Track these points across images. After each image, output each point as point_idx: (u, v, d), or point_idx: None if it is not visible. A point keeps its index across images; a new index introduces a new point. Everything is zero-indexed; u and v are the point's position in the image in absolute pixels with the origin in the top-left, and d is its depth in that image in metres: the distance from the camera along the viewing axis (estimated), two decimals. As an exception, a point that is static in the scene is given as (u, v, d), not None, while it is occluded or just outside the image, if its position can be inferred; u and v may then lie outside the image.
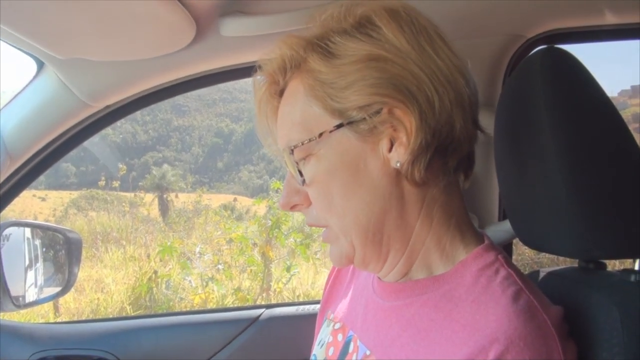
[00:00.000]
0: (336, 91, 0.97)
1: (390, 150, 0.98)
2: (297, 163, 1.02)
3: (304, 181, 1.03)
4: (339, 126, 0.98)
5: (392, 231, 1.02)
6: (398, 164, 0.97)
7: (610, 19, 1.64)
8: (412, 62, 0.95)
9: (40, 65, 1.68)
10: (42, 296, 1.99)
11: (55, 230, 2.07)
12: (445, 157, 1.00)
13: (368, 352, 1.08)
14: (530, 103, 1.03)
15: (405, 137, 0.96)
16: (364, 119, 0.96)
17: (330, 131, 0.98)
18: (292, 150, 1.01)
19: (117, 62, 1.62)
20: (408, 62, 0.95)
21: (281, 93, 1.09)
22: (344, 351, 1.16)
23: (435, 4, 1.30)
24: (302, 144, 1.00)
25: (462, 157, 1.03)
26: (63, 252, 2.02)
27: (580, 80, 1.02)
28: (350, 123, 0.97)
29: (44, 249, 2.02)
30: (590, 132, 0.98)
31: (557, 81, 1.01)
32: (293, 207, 1.10)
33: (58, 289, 2.01)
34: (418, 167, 0.96)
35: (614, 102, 1.01)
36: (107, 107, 1.81)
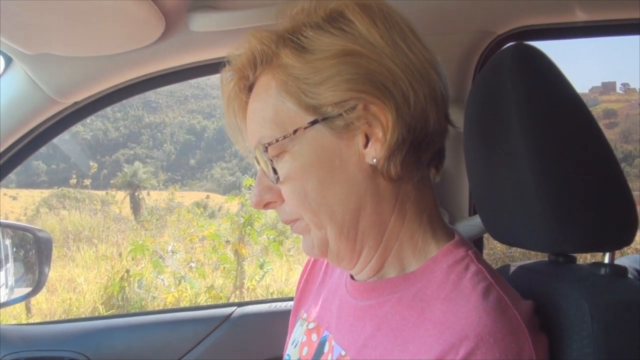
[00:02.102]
0: (310, 87, 0.96)
1: (365, 146, 0.98)
2: (270, 160, 1.01)
3: (277, 178, 1.01)
4: (314, 122, 0.97)
5: (366, 227, 1.02)
6: (374, 160, 0.97)
7: (581, 16, 1.66)
8: (386, 57, 0.95)
9: (8, 61, 1.65)
10: (13, 297, 1.97)
11: (25, 229, 2.05)
12: (419, 152, 1.01)
13: (343, 353, 1.08)
14: (499, 99, 1.04)
15: (382, 133, 0.96)
16: (340, 115, 0.96)
17: (305, 128, 0.98)
18: (266, 148, 1.00)
19: (85, 57, 1.61)
20: (383, 58, 0.95)
21: (250, 88, 1.08)
22: (319, 351, 1.16)
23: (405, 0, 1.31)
24: (277, 141, 0.99)
25: (434, 152, 1.03)
26: (33, 252, 1.99)
27: (549, 76, 1.03)
28: (325, 119, 0.97)
29: (14, 249, 2.00)
30: (559, 128, 0.98)
31: (526, 78, 1.02)
32: (266, 205, 1.09)
33: (29, 289, 1.99)
34: (394, 163, 0.96)
35: (586, 99, 1.02)
36: (76, 103, 1.79)
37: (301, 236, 1.10)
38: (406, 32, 0.99)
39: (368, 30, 0.96)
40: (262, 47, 1.02)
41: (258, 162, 1.05)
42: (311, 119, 0.97)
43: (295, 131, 0.98)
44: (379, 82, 0.95)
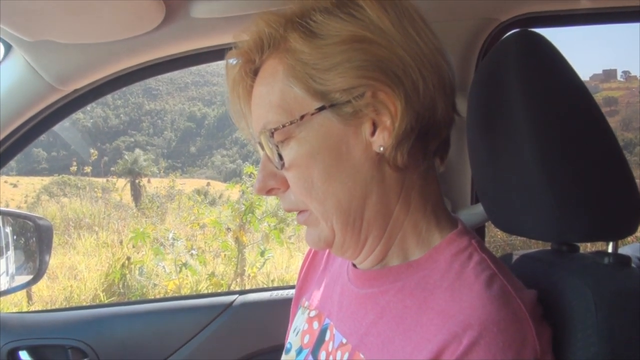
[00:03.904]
0: (319, 72, 0.95)
1: (373, 134, 0.97)
2: (276, 146, 1.00)
3: (283, 165, 1.00)
4: (321, 109, 0.96)
5: (371, 217, 1.02)
6: (381, 149, 0.96)
7: (584, 3, 1.65)
8: (397, 44, 0.94)
9: (8, 49, 1.65)
10: (13, 285, 1.97)
11: (25, 217, 2.05)
12: (426, 142, 1.00)
13: (344, 340, 1.07)
14: (503, 86, 1.03)
15: (390, 121, 0.95)
16: (348, 101, 0.94)
17: (312, 114, 0.96)
18: (272, 133, 0.99)
19: (85, 44, 1.60)
20: (393, 45, 0.94)
21: (256, 72, 1.06)
22: (320, 339, 1.16)
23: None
24: (283, 127, 0.98)
25: (441, 141, 1.03)
26: (34, 240, 1.99)
27: (553, 63, 1.02)
28: (333, 106, 0.95)
29: (14, 237, 1.99)
30: (563, 115, 0.98)
31: (530, 64, 1.01)
32: (269, 192, 1.07)
33: (29, 277, 1.98)
34: (401, 152, 0.95)
35: (586, 86, 1.01)
36: (76, 90, 1.78)
37: (305, 227, 1.09)
38: (416, 19, 0.98)
39: (378, 17, 0.95)
40: (269, 30, 1.00)
41: (262, 148, 1.04)
42: (319, 105, 0.96)
43: (302, 117, 0.97)
44: (389, 69, 0.93)
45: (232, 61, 1.09)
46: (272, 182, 1.06)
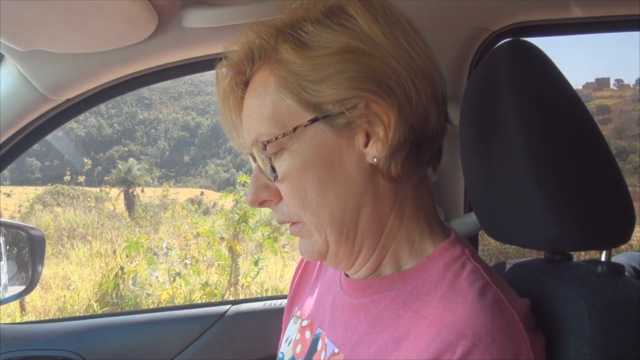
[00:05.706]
0: (311, 84, 0.95)
1: (366, 145, 0.96)
2: (269, 158, 0.99)
3: (276, 177, 1.00)
4: (314, 120, 0.96)
5: (365, 227, 1.01)
6: (375, 160, 0.96)
7: (576, 12, 1.65)
8: (389, 55, 0.94)
9: (0, 58, 1.64)
10: (6, 295, 1.96)
11: (18, 227, 2.04)
12: (419, 152, 1.00)
13: (336, 350, 1.07)
14: (496, 96, 1.03)
15: (383, 132, 0.95)
16: (341, 113, 0.94)
17: (305, 125, 0.96)
18: (265, 145, 0.98)
19: (77, 54, 1.59)
20: (385, 56, 0.94)
21: (246, 83, 1.06)
22: (312, 349, 1.15)
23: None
24: (276, 139, 0.97)
25: (433, 152, 1.03)
26: (26, 250, 1.98)
27: (546, 72, 1.03)
28: (325, 117, 0.95)
29: (7, 247, 1.98)
30: (556, 124, 0.98)
31: (523, 74, 1.01)
32: (262, 204, 1.07)
33: (22, 287, 1.97)
34: (395, 163, 0.95)
35: (579, 95, 1.02)
36: (68, 100, 1.78)
37: (299, 238, 1.09)
38: (407, 30, 0.98)
39: (370, 27, 0.95)
40: (260, 41, 1.00)
41: (254, 159, 1.04)
42: (311, 116, 0.96)
43: (295, 129, 0.96)
44: (381, 80, 0.93)
45: (223, 72, 1.09)
46: (265, 194, 1.05)
